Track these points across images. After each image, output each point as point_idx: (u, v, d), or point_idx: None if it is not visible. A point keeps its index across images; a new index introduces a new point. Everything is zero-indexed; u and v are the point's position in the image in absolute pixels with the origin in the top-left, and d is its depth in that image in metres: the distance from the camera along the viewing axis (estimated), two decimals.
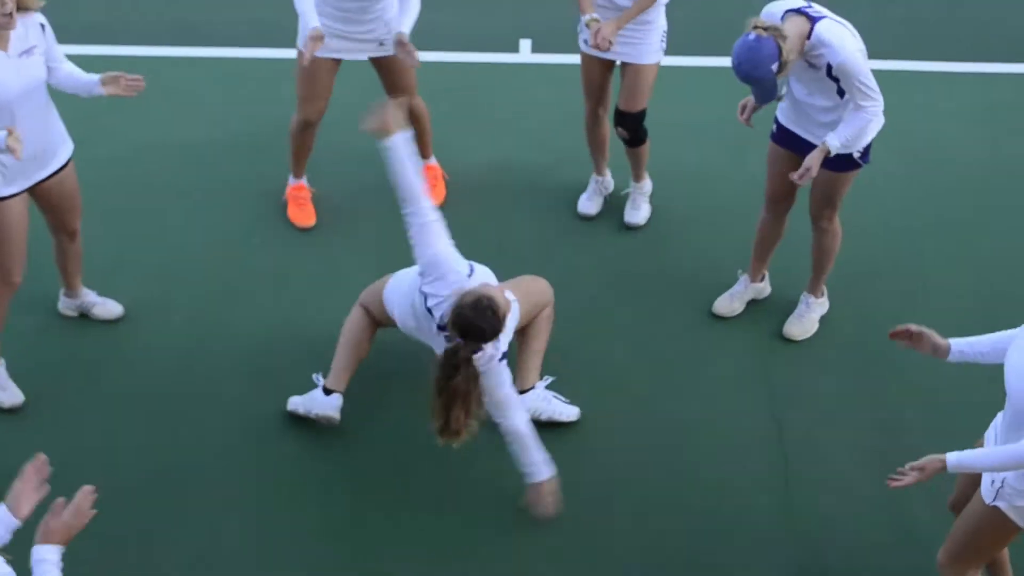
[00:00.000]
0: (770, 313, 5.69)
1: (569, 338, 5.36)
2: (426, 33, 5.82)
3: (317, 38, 5.33)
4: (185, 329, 5.49)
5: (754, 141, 5.78)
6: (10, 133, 4.27)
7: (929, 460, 3.62)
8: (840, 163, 5.03)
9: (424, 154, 6.02)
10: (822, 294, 5.62)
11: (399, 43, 5.46)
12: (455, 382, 4.34)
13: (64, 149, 4.91)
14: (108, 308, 5.47)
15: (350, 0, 5.48)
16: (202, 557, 4.57)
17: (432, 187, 5.89)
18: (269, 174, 6.33)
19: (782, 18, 4.76)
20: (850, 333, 5.58)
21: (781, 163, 5.23)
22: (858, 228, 5.84)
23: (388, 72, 5.79)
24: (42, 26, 4.66)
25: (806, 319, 5.58)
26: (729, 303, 5.66)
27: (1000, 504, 3.69)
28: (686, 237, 6.15)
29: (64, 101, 4.99)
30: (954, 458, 3.58)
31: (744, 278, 5.69)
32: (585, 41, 5.65)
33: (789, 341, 5.53)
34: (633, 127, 5.85)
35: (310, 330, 5.48)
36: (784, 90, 5.10)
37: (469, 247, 4.83)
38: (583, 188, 6.31)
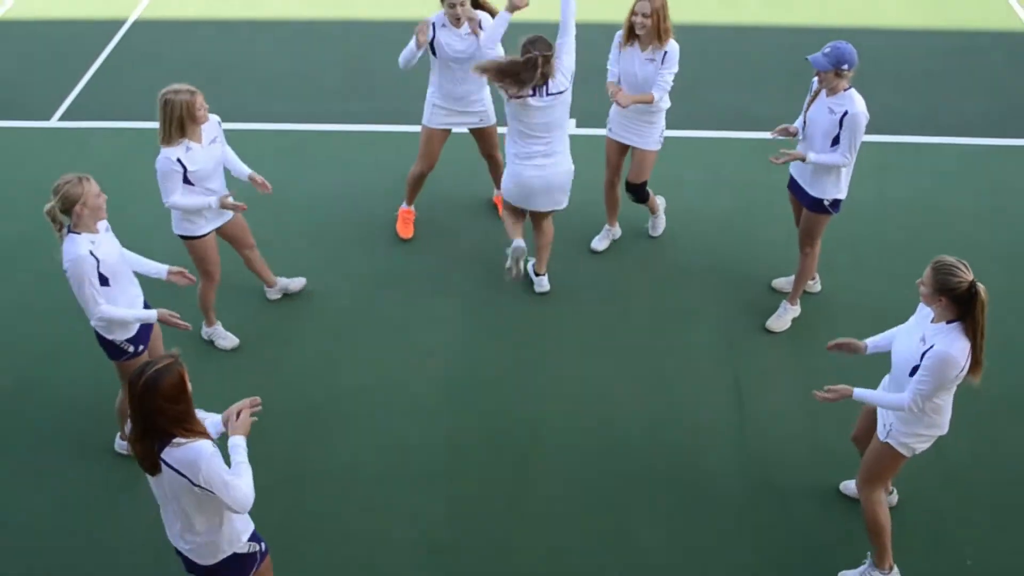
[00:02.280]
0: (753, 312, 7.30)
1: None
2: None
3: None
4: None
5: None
6: (227, 196, 6.48)
7: (843, 387, 5.22)
8: (815, 206, 6.78)
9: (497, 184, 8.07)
10: (796, 303, 7.30)
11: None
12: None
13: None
14: (298, 283, 7.63)
15: (460, 89, 7.47)
16: None
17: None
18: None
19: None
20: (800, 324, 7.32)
21: (794, 205, 7.10)
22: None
23: (481, 138, 7.82)
24: (219, 123, 6.60)
25: (783, 318, 7.27)
26: (778, 322, 7.33)
27: (890, 441, 5.32)
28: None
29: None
30: (858, 391, 5.22)
31: (784, 304, 7.36)
32: (610, 129, 7.52)
33: (767, 331, 7.26)
34: (637, 192, 7.69)
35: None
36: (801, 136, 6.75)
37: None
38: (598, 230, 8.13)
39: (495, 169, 8.10)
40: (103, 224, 5.69)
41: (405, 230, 8.12)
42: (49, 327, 7.35)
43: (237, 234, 7.02)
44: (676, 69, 7.13)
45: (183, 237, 6.73)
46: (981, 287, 4.90)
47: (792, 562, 5.82)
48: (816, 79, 6.55)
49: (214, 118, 6.56)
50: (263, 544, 4.89)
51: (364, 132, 9.49)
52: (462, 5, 7.21)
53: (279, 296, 7.60)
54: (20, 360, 7.14)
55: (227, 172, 6.80)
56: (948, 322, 5.00)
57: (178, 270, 6.00)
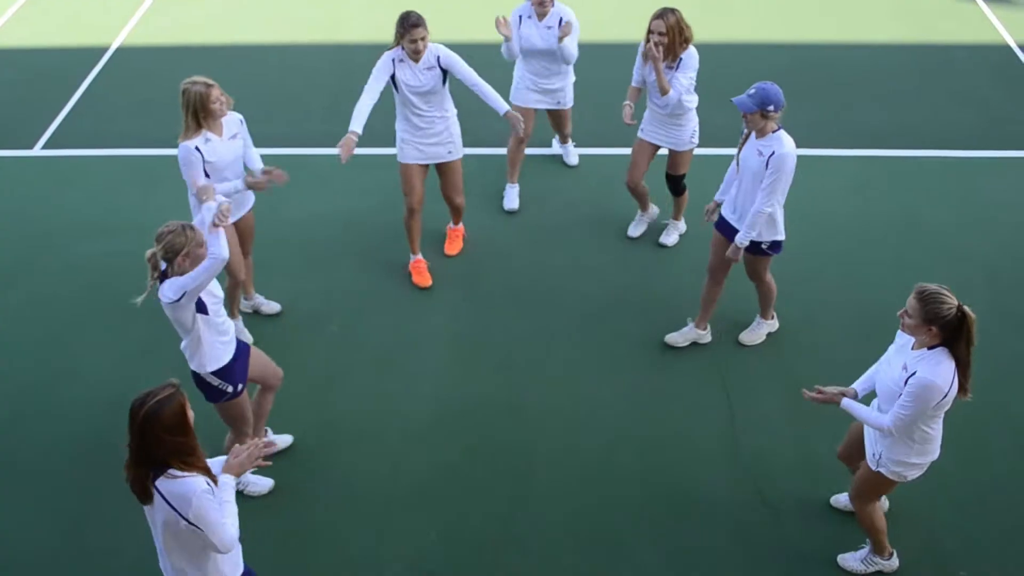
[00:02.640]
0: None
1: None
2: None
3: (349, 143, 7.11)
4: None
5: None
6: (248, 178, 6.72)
7: (835, 392, 5.24)
8: (755, 250, 6.71)
9: (455, 222, 8.26)
10: (772, 317, 7.36)
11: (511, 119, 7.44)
12: None
13: (250, 202, 7.05)
14: (272, 307, 7.68)
15: (421, 114, 7.44)
16: None
17: (451, 241, 8.29)
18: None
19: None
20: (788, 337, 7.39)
21: (719, 244, 6.91)
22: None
23: (445, 175, 7.79)
24: (241, 121, 6.74)
25: (755, 332, 7.33)
26: (677, 338, 7.31)
27: (882, 470, 5.33)
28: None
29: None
30: (846, 402, 5.24)
31: (691, 324, 7.32)
32: (643, 129, 7.87)
33: (742, 345, 7.31)
34: (676, 183, 8.10)
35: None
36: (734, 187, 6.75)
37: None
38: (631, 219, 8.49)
39: (456, 213, 8.13)
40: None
41: (422, 280, 7.95)
42: (33, 357, 7.32)
43: (245, 234, 7.13)
44: (693, 72, 7.49)
45: None
46: (968, 309, 4.89)
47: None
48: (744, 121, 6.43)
49: (236, 116, 6.72)
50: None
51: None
52: (423, 40, 7.20)
53: (250, 311, 7.65)
54: (8, 389, 7.10)
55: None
56: (930, 348, 4.99)
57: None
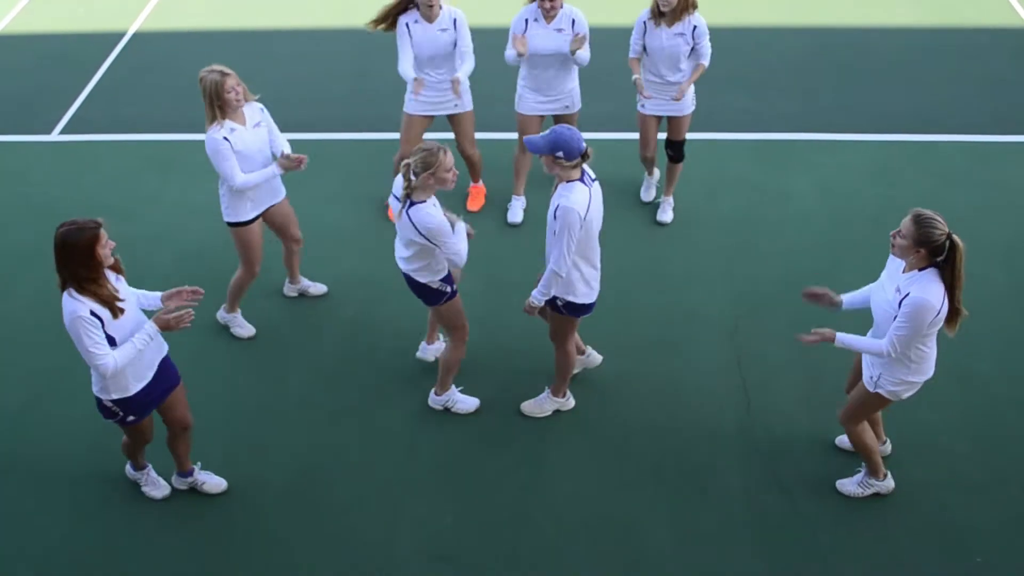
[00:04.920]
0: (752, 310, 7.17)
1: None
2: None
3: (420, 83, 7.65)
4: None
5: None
6: (281, 158, 6.72)
7: (827, 330, 5.44)
8: (552, 305, 6.11)
9: (474, 179, 8.58)
10: (564, 395, 6.68)
11: (452, 82, 7.66)
12: None
13: (282, 188, 7.04)
14: (319, 288, 7.71)
15: (435, 77, 7.76)
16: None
17: (474, 199, 8.59)
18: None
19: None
20: (793, 311, 7.27)
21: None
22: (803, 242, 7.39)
23: (457, 127, 8.08)
24: (262, 109, 6.75)
25: (540, 405, 6.70)
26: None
27: (879, 391, 5.54)
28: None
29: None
30: (840, 335, 5.42)
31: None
32: (642, 105, 7.91)
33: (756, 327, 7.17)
34: (679, 149, 8.18)
35: None
36: None
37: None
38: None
39: (472, 167, 8.43)
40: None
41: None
42: (50, 340, 7.34)
43: (284, 223, 7.14)
44: (708, 34, 7.65)
45: (229, 225, 6.86)
46: (957, 238, 5.15)
47: (798, 561, 5.82)
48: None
49: (257, 104, 6.73)
50: (129, 417, 5.52)
51: (371, 140, 9.53)
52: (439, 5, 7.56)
53: (296, 295, 7.70)
54: (23, 372, 7.14)
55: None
56: (920, 270, 5.21)
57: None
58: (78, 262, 5.02)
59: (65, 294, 5.11)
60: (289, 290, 7.70)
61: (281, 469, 6.39)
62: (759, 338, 7.23)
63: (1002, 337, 7.17)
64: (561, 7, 7.65)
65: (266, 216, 6.99)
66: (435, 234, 5.77)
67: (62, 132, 9.81)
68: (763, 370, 6.98)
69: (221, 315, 7.36)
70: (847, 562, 5.79)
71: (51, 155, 9.47)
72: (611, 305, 7.53)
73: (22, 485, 6.35)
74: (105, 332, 5.16)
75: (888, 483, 6.07)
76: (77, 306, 5.06)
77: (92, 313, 5.08)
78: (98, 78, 10.67)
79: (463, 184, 8.47)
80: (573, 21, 7.69)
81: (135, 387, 5.48)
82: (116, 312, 5.16)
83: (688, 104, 7.92)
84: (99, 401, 5.57)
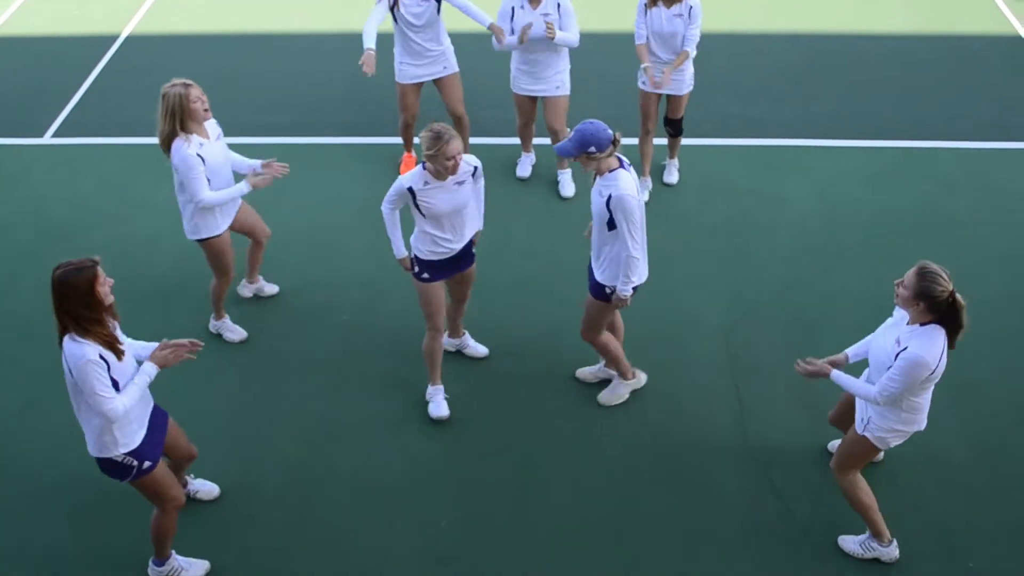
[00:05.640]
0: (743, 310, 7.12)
1: None
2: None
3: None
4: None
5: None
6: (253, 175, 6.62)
7: (824, 365, 5.42)
8: (597, 291, 6.22)
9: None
10: (630, 375, 6.76)
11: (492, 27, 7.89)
12: None
13: (237, 202, 6.88)
14: (271, 288, 7.66)
15: (419, 44, 7.99)
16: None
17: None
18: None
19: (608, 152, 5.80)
20: (785, 320, 7.31)
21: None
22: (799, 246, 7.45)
23: (446, 90, 8.29)
24: (217, 123, 6.67)
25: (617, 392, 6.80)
26: (588, 373, 6.97)
27: (867, 435, 5.47)
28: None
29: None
30: (835, 373, 5.39)
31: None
32: (643, 82, 8.11)
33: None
34: (677, 125, 8.47)
35: None
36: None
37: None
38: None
39: (462, 129, 8.45)
40: None
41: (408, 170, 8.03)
42: (46, 342, 7.28)
43: (251, 223, 7.09)
44: (700, 23, 7.80)
45: (200, 241, 6.74)
46: (959, 297, 5.03)
47: (793, 565, 5.81)
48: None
49: (212, 119, 6.62)
50: (145, 463, 5.21)
51: (368, 144, 9.50)
52: None
53: (251, 295, 7.65)
54: (23, 372, 7.10)
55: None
56: (922, 324, 5.13)
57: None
58: (79, 302, 4.81)
59: (67, 339, 4.87)
60: (246, 291, 7.63)
61: (275, 475, 6.36)
62: (754, 343, 7.22)
63: (999, 343, 7.18)
64: None
65: (234, 224, 6.93)
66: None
67: (55, 135, 9.77)
68: (758, 375, 6.98)
69: (212, 325, 7.34)
70: (842, 567, 5.78)
71: (44, 158, 9.43)
72: None
73: (22, 485, 6.31)
74: (110, 376, 4.91)
75: (892, 551, 5.77)
76: (86, 349, 4.83)
77: (100, 356, 4.86)
78: (92, 81, 10.63)
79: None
80: (559, 5, 7.77)
81: (140, 434, 5.21)
82: (119, 355, 4.96)
83: (686, 84, 8.13)
84: (107, 462, 5.21)
